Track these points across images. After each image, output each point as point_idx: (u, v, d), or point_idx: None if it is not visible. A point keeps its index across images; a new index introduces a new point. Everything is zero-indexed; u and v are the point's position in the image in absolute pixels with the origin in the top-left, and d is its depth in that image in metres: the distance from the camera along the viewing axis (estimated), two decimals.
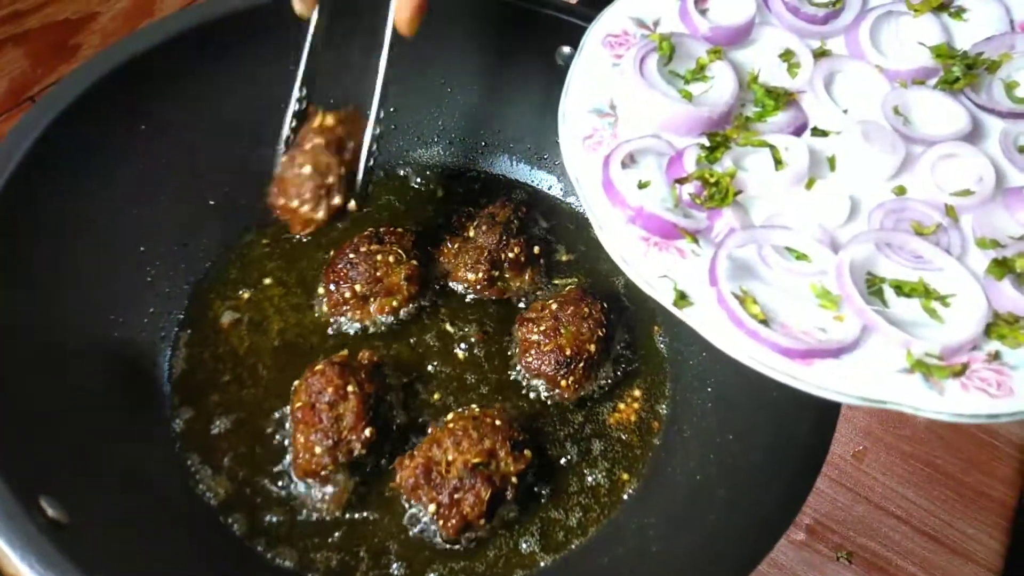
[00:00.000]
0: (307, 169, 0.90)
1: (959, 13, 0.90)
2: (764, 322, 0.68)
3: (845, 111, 0.84)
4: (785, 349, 0.67)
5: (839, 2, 0.90)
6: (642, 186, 0.77)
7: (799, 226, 0.76)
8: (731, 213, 0.76)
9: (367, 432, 0.90)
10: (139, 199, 1.03)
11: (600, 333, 1.04)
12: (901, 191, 0.79)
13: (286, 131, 0.93)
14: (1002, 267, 0.72)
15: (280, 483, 0.94)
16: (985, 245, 0.75)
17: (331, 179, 0.91)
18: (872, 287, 0.73)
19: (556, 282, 1.16)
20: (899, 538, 1.69)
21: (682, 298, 0.70)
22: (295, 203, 0.91)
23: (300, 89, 0.93)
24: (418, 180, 1.24)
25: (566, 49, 1.13)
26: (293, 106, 0.93)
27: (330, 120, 0.93)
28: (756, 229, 0.76)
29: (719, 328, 0.69)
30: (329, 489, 0.93)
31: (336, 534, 0.92)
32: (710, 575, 0.73)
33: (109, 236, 1.00)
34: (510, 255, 1.11)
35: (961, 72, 0.84)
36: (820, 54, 0.88)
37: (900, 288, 0.73)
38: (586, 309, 1.05)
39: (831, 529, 1.72)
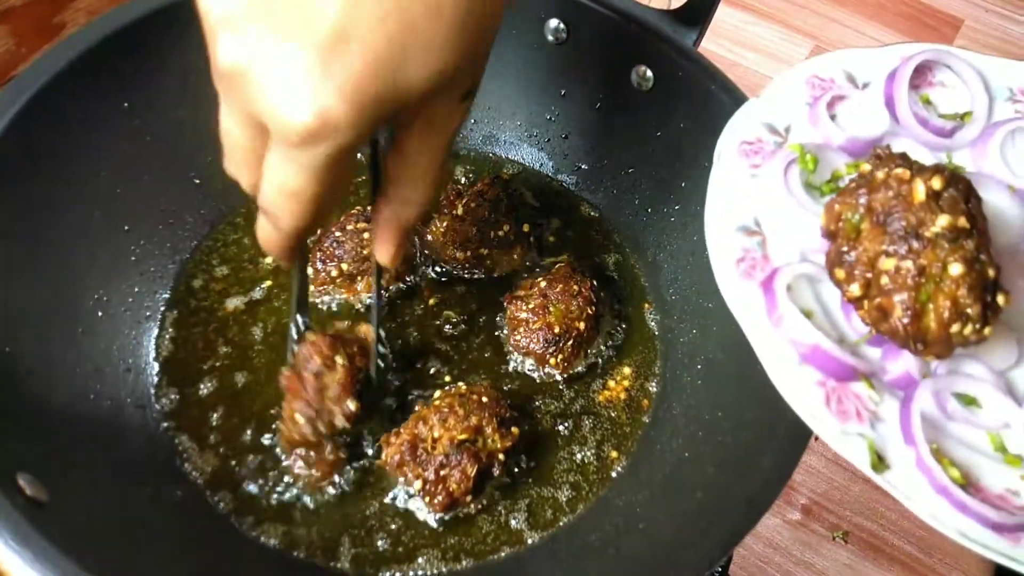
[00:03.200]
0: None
1: None
2: (964, 487, 0.63)
3: None
4: (995, 523, 0.62)
5: (967, 116, 0.86)
6: (806, 316, 0.70)
7: (974, 370, 0.71)
8: (908, 354, 0.69)
9: (351, 405, 0.89)
10: (122, 177, 1.02)
11: (589, 311, 1.03)
12: None
13: (290, 358, 0.91)
14: None
15: (267, 461, 0.94)
16: None
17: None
18: None
19: (545, 260, 1.15)
20: (895, 517, 1.69)
21: (880, 460, 0.64)
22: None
23: (295, 317, 0.92)
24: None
25: (554, 22, 1.12)
26: (293, 335, 0.92)
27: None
28: (940, 377, 0.70)
29: (921, 495, 0.63)
30: (313, 464, 0.92)
31: (322, 511, 0.91)
32: (697, 548, 0.72)
33: (92, 215, 0.99)
34: (499, 233, 1.10)
35: None
36: (951, 171, 0.85)
37: None
38: (575, 287, 1.04)
39: (827, 509, 1.73)
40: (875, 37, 2.29)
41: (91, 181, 0.98)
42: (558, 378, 1.04)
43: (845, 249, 0.68)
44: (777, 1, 2.39)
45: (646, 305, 1.13)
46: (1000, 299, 0.65)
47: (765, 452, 0.80)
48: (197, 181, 1.10)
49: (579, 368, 1.04)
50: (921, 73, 0.89)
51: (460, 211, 1.10)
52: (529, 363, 1.04)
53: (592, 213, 1.22)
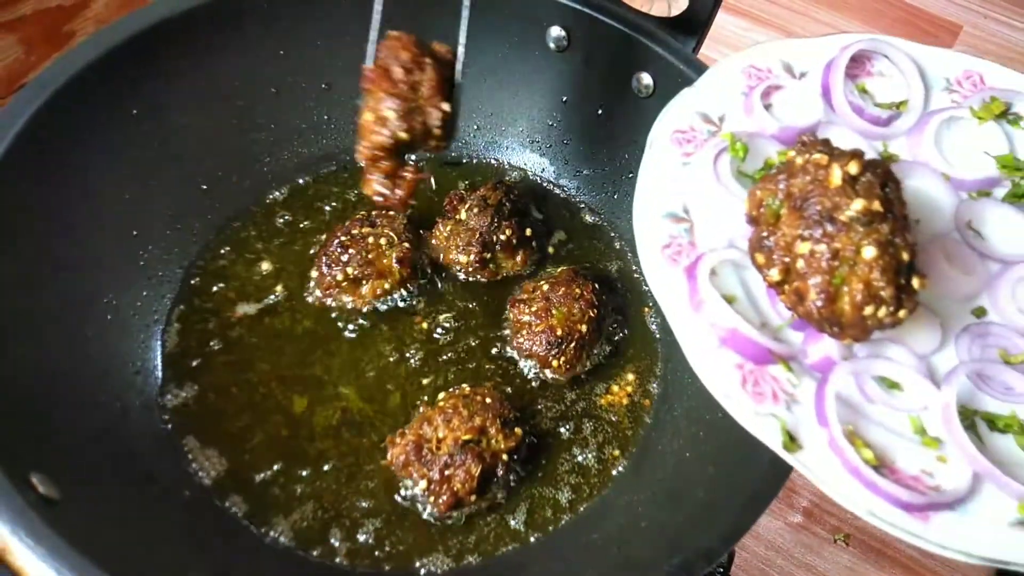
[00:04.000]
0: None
1: (1017, 120, 0.87)
2: (876, 468, 0.64)
3: (917, 221, 0.80)
4: (906, 503, 0.63)
5: (903, 105, 0.87)
6: (728, 301, 0.71)
7: (895, 354, 0.72)
8: (829, 338, 0.70)
9: (445, 106, 0.82)
10: (131, 182, 1.03)
11: (591, 314, 1.04)
12: (981, 313, 0.76)
13: (371, 55, 0.84)
14: None
15: (276, 462, 0.95)
16: None
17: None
18: (964, 420, 0.69)
19: (548, 268, 1.16)
20: None
21: (791, 440, 0.65)
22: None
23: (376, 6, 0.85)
24: (410, 163, 1.24)
25: (556, 30, 1.13)
26: (373, 31, 0.85)
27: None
28: (858, 360, 0.71)
29: (832, 476, 0.64)
30: (392, 182, 0.85)
31: (330, 512, 0.92)
32: (698, 544, 0.73)
33: (101, 219, 1.00)
34: (502, 237, 1.11)
35: None
36: (885, 158, 0.85)
37: (993, 422, 0.69)
38: (577, 290, 1.05)
39: (828, 512, 1.73)
40: None
41: (99, 186, 1.00)
42: (561, 380, 1.05)
43: (765, 234, 0.69)
44: (776, 8, 2.40)
45: (646, 309, 1.14)
46: (916, 282, 0.66)
47: (765, 450, 0.80)
48: (204, 187, 1.12)
49: (581, 370, 1.06)
50: (860, 63, 0.90)
51: (463, 216, 1.12)
52: (532, 365, 1.05)
53: (593, 218, 1.23)
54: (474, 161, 1.27)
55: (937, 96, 0.88)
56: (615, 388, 1.06)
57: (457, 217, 1.13)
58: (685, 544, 0.74)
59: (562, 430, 1.01)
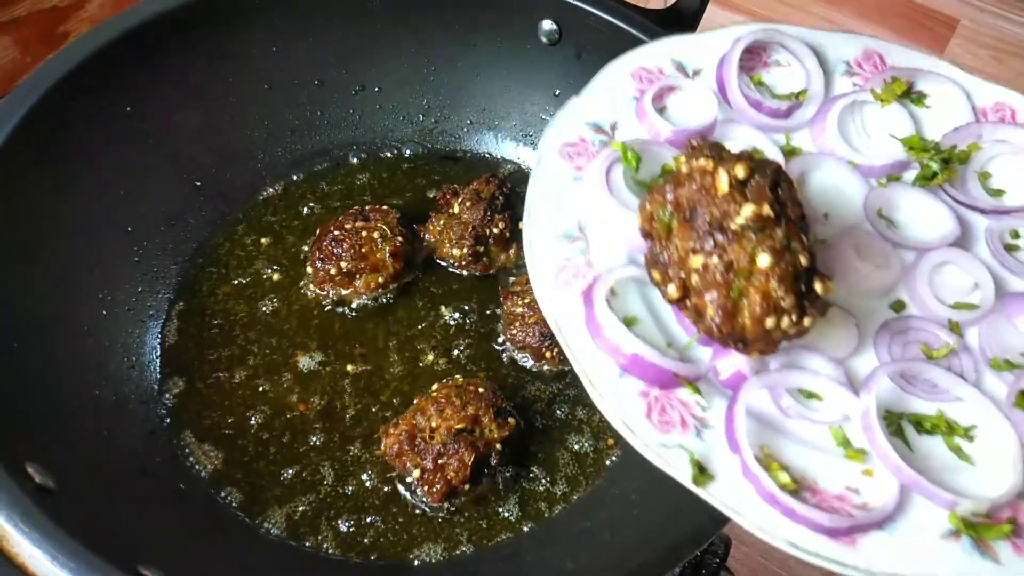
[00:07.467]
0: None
1: (920, 99, 0.85)
2: (795, 492, 0.60)
3: (826, 215, 0.77)
4: (828, 528, 0.58)
5: (802, 94, 0.84)
6: (629, 323, 0.67)
7: (811, 363, 0.68)
8: (736, 352, 0.65)
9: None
10: (125, 179, 1.04)
11: None
12: (900, 306, 0.73)
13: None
14: None
15: (270, 454, 0.96)
16: (1000, 367, 0.69)
17: None
18: (891, 425, 0.65)
19: None
20: None
21: (701, 472, 0.61)
22: None
23: None
24: (403, 158, 1.25)
25: (547, 24, 1.14)
26: None
27: None
28: (770, 373, 0.66)
29: (748, 507, 0.59)
30: None
31: (324, 502, 0.93)
32: (688, 526, 0.73)
33: (96, 216, 1.01)
34: (495, 231, 1.12)
35: (939, 168, 0.79)
36: (788, 152, 0.81)
37: (920, 424, 0.66)
38: None
39: None
40: None
41: (94, 183, 1.01)
42: (554, 371, 1.05)
43: (658, 249, 0.65)
44: (769, 1, 2.40)
45: None
46: (819, 286, 0.62)
47: None
48: (198, 183, 1.13)
49: None
50: (755, 54, 0.87)
51: (456, 210, 1.12)
52: (525, 357, 1.06)
53: None
54: (467, 155, 1.27)
55: (838, 81, 0.85)
56: None
57: (450, 211, 1.13)
58: (676, 527, 0.74)
59: (556, 420, 1.02)
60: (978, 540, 0.60)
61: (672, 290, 0.64)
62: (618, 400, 0.63)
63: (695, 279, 0.62)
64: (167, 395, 0.99)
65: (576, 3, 1.10)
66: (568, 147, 0.77)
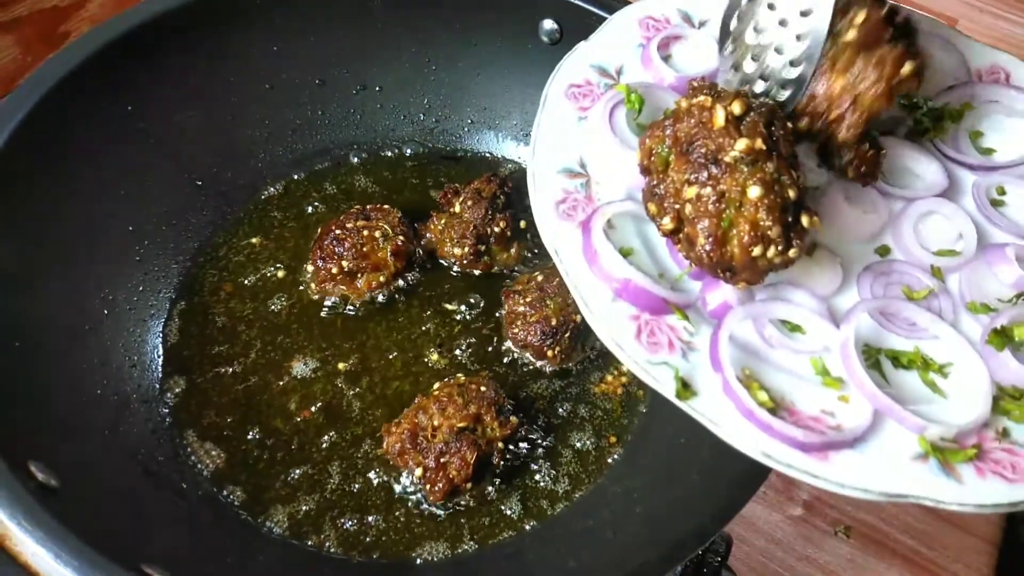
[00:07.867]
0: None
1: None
2: (773, 410, 0.63)
3: (819, 164, 0.80)
4: (802, 443, 0.62)
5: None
6: (625, 254, 0.70)
7: (795, 297, 0.71)
8: (727, 285, 0.69)
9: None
10: (126, 179, 1.04)
11: None
12: (885, 251, 0.76)
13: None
14: (1002, 337, 0.68)
15: (273, 453, 0.96)
16: (976, 310, 0.72)
17: None
18: (869, 359, 0.68)
19: (542, 256, 1.16)
20: (897, 511, 1.70)
21: (685, 387, 0.64)
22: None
23: None
24: (404, 158, 1.25)
25: (548, 23, 1.14)
26: None
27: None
28: (755, 303, 0.70)
29: (727, 420, 0.63)
30: None
31: (326, 501, 0.93)
32: (691, 524, 0.74)
33: (97, 216, 1.01)
34: (496, 229, 1.12)
35: (931, 124, 0.82)
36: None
37: (897, 359, 0.69)
38: None
39: (829, 504, 1.73)
40: None
41: (95, 183, 1.01)
42: (556, 369, 1.05)
43: (655, 183, 0.69)
44: None
45: None
46: (805, 220, 0.65)
47: None
48: (199, 183, 1.13)
49: (576, 360, 1.06)
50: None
51: (458, 209, 1.13)
52: (527, 355, 1.06)
53: None
54: (468, 154, 1.28)
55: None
56: (609, 378, 1.07)
57: (451, 210, 1.14)
58: (678, 525, 0.74)
59: (558, 419, 1.02)
60: (944, 463, 0.63)
61: (667, 222, 0.68)
62: (610, 322, 0.68)
63: (688, 209, 0.66)
64: (169, 394, 0.99)
65: (577, 2, 1.10)
66: (574, 88, 0.81)
